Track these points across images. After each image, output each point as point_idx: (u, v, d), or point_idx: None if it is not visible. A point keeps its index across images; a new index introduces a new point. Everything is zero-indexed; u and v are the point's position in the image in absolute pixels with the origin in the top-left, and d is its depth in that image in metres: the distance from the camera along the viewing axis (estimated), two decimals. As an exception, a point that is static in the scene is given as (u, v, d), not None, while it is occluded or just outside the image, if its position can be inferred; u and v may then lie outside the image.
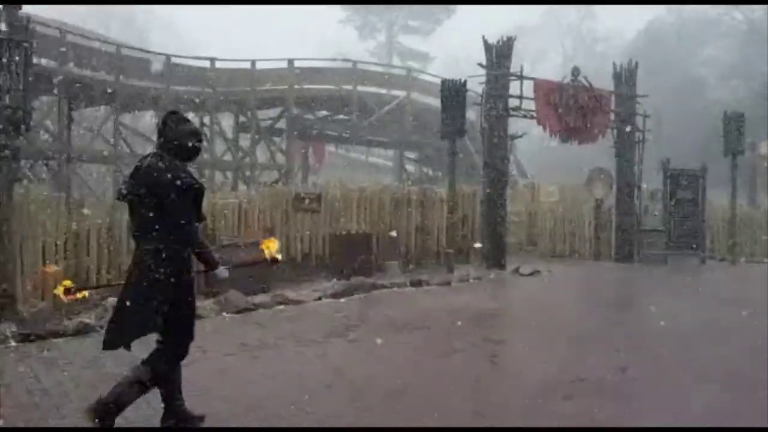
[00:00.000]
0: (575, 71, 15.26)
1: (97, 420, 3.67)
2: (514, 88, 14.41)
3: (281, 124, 21.42)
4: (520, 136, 14.99)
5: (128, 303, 3.77)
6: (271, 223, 11.14)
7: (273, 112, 22.02)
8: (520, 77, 14.30)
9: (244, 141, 22.33)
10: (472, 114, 22.92)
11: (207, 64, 19.84)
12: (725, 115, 16.93)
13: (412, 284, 10.83)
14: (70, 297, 4.14)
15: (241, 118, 21.99)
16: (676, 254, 16.58)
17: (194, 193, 3.83)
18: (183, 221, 3.77)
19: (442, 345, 6.55)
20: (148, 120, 22.04)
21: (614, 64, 16.58)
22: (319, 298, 9.07)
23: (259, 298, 8.35)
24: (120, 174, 18.45)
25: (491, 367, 5.79)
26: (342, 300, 9.07)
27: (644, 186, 17.04)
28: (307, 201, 11.64)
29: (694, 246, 16.62)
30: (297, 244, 11.64)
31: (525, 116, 14.89)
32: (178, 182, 3.74)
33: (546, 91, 14.78)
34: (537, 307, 9.08)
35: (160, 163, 3.81)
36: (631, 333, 7.33)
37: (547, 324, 7.75)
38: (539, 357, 6.18)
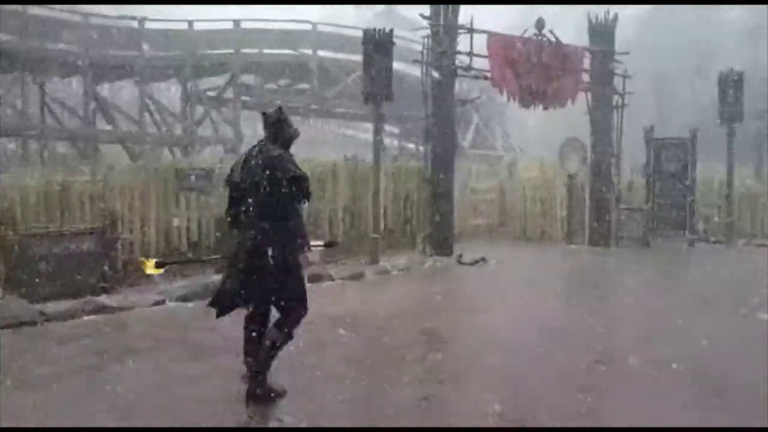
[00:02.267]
0: (539, 23, 12.99)
1: (258, 390, 4.13)
2: (464, 44, 12.24)
3: (232, 93, 19.27)
4: (472, 100, 12.75)
5: (242, 276, 4.16)
6: (142, 206, 9.14)
7: (224, 80, 19.84)
8: (470, 30, 12.09)
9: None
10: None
11: (135, 24, 17.65)
12: (721, 75, 14.58)
13: (311, 279, 8.85)
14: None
15: (195, 89, 19.91)
16: (661, 236, 14.42)
17: (305, 182, 4.21)
18: (295, 206, 4.23)
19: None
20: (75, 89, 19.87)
21: (588, 15, 14.25)
22: (162, 302, 7.14)
23: (63, 305, 6.38)
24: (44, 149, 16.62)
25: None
26: (190, 305, 7.11)
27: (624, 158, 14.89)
28: (193, 179, 9.66)
29: (684, 226, 14.45)
30: (182, 232, 9.66)
31: (477, 77, 12.73)
32: (294, 172, 4.15)
33: (502, 47, 12.58)
34: (438, 316, 7.04)
35: (275, 153, 4.21)
36: (548, 372, 5.21)
37: (427, 352, 5.72)
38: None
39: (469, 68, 12.38)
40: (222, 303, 4.25)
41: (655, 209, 14.40)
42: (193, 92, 18.61)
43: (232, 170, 4.40)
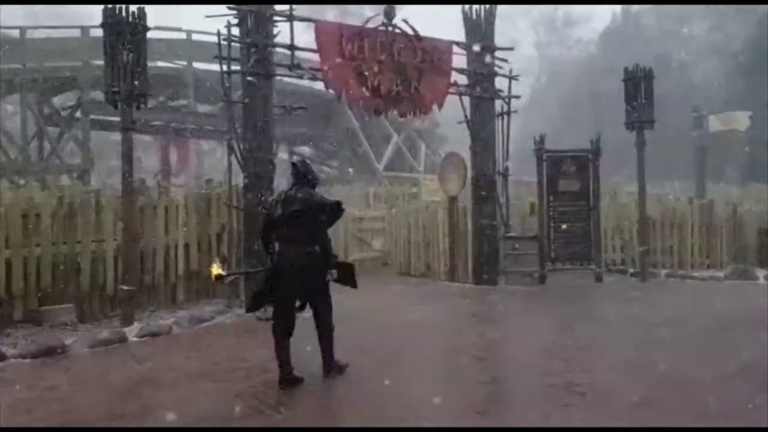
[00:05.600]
0: (388, 12, 10.42)
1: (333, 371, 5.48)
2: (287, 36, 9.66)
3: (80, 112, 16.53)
4: (296, 110, 10.00)
5: (283, 287, 5.34)
6: None
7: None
8: (290, 17, 9.51)
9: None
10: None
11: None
12: (626, 73, 12.03)
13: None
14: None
15: (46, 109, 17.20)
16: (562, 270, 11.71)
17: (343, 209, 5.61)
18: (327, 234, 5.48)
19: None
20: None
21: (463, 9, 11.69)
22: None
23: None
24: None
25: None
26: None
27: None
28: None
29: (590, 257, 11.76)
30: None
31: (302, 77, 10.14)
32: (332, 206, 5.46)
33: (336, 39, 9.98)
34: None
35: (311, 192, 5.44)
36: None
37: None
38: None
39: (294, 66, 9.77)
40: (256, 304, 5.89)
41: (553, 237, 11.72)
42: (25, 110, 15.80)
43: (270, 205, 5.61)
